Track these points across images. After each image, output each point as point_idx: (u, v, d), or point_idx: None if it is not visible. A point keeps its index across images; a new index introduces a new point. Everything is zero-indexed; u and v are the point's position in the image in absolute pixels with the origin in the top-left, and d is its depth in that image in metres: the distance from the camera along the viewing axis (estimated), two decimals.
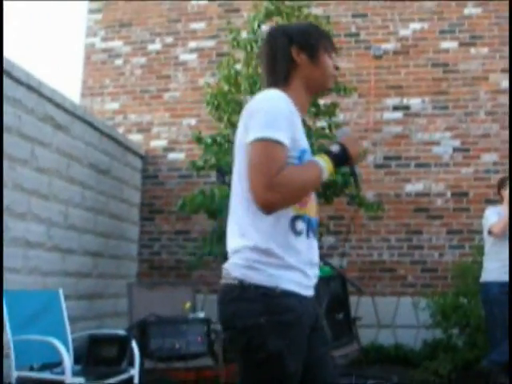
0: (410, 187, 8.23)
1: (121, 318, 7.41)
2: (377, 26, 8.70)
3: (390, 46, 8.62)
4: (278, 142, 2.13)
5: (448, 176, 8.17)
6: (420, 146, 8.30)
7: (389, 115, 8.44)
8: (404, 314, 7.92)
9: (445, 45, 8.53)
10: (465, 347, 6.85)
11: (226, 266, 2.26)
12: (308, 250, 2.26)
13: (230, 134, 7.04)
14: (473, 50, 8.46)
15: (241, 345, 2.19)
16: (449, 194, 8.15)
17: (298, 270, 2.20)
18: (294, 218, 2.21)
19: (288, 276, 2.18)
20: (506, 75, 8.22)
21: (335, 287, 6.40)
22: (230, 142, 7.14)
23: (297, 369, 2.18)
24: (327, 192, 6.90)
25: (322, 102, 7.19)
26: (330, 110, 7.22)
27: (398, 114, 8.42)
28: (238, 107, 6.94)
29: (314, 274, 2.28)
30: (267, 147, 2.12)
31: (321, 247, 7.91)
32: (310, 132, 6.90)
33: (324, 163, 2.22)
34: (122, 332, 5.64)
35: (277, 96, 2.24)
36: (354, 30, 8.71)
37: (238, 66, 7.05)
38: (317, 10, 8.13)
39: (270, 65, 2.40)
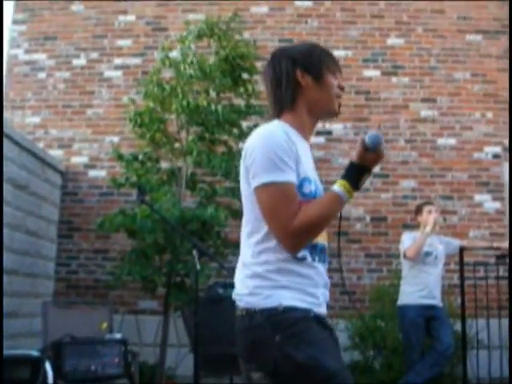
0: None
1: (35, 338, 7.20)
2: None
3: None
4: (284, 183, 2.16)
5: (367, 201, 8.33)
6: (341, 171, 8.28)
7: (312, 139, 8.51)
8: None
9: (368, 73, 8.75)
10: (381, 369, 6.97)
11: (234, 296, 2.30)
12: (315, 274, 2.29)
13: (152, 152, 7.00)
14: (394, 79, 8.71)
15: (270, 368, 2.18)
16: (368, 218, 8.31)
17: (296, 289, 2.21)
18: None
19: (287, 294, 2.19)
20: (426, 104, 8.49)
21: None
22: (152, 160, 7.10)
23: (337, 365, 2.18)
24: None
25: (245, 124, 7.23)
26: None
27: (321, 139, 8.55)
28: (163, 125, 6.92)
29: (322, 293, 2.31)
30: (275, 191, 2.16)
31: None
32: (232, 155, 6.95)
33: (340, 188, 2.23)
34: (35, 353, 5.47)
35: (272, 131, 2.23)
36: None
37: (166, 85, 7.03)
38: (245, 34, 8.21)
39: (274, 89, 2.37)
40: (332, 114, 2.45)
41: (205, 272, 6.11)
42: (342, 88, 2.41)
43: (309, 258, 2.26)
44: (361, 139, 2.26)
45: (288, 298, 2.18)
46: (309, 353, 2.13)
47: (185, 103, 6.56)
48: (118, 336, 6.35)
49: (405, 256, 6.25)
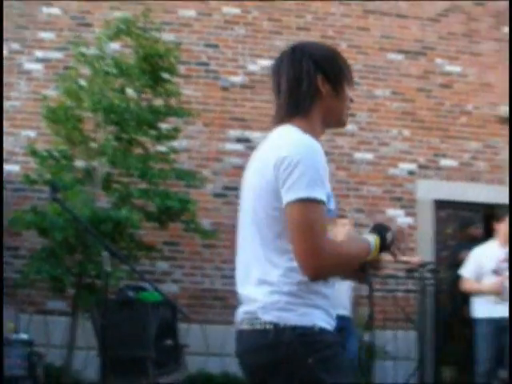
0: None
1: None
2: (227, 58, 8.86)
3: (238, 78, 8.80)
4: (320, 202, 2.03)
5: None
6: None
7: (231, 146, 8.58)
8: (233, 342, 7.98)
9: None
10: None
11: (251, 309, 2.13)
12: (332, 295, 2.19)
13: (66, 149, 6.86)
14: None
15: None
16: None
17: (324, 309, 2.13)
18: None
19: (319, 314, 2.10)
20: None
21: (164, 313, 6.36)
22: (66, 158, 6.95)
23: None
24: (162, 217, 6.88)
25: (163, 125, 7.18)
26: (172, 135, 7.22)
27: (240, 146, 8.58)
28: (79, 123, 6.80)
29: (335, 315, 2.20)
30: (317, 209, 2.03)
31: (153, 272, 7.87)
32: (149, 156, 6.89)
33: (373, 245, 2.18)
34: None
35: (315, 147, 2.10)
36: (204, 59, 8.81)
37: (82, 82, 6.90)
38: (169, 36, 8.17)
39: (291, 88, 2.21)
40: (342, 125, 2.37)
41: (116, 274, 6.01)
42: (351, 100, 2.34)
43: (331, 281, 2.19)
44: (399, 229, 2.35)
45: (321, 320, 2.09)
46: (338, 380, 2.07)
47: (98, 101, 6.46)
48: (23, 336, 6.19)
49: None
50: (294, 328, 2.05)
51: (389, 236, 2.26)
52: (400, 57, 9.23)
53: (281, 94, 2.25)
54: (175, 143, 7.49)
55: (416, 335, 7.86)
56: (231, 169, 8.49)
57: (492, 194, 9.01)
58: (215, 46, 8.86)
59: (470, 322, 7.17)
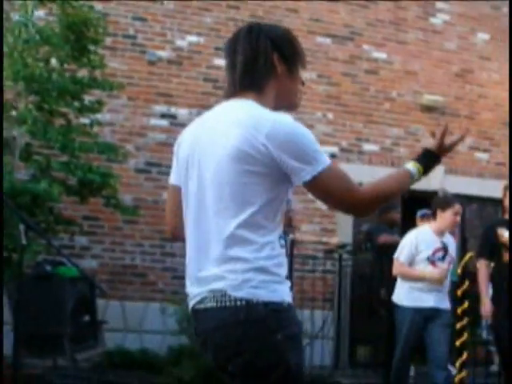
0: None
1: None
2: (155, 32, 8.73)
3: (165, 53, 8.70)
4: (332, 162, 2.14)
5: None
6: None
7: (155, 122, 8.49)
8: (152, 319, 7.97)
9: (218, 61, 8.77)
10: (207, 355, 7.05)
11: (218, 287, 2.09)
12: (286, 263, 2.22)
13: None
14: None
15: (260, 366, 2.07)
16: None
17: (287, 283, 2.15)
18: (280, 237, 2.17)
19: (286, 289, 2.12)
20: None
21: (82, 289, 6.28)
22: None
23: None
24: (83, 191, 6.75)
25: (87, 98, 7.03)
26: (95, 108, 7.08)
27: (165, 122, 8.50)
28: None
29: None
30: (333, 173, 2.13)
31: (73, 247, 7.73)
32: (70, 128, 6.74)
33: (414, 168, 2.30)
34: None
35: (295, 123, 2.16)
36: (131, 32, 8.66)
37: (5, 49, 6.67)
38: (97, 6, 7.98)
39: (245, 64, 2.21)
40: (293, 107, 2.37)
41: (33, 248, 5.88)
42: (303, 83, 2.38)
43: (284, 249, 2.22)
44: (444, 127, 2.37)
45: (287, 295, 2.12)
46: (299, 359, 2.12)
47: (17, 70, 6.25)
48: None
49: None
50: (267, 304, 2.06)
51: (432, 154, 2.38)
52: (328, 41, 9.31)
53: (236, 70, 2.24)
54: (98, 116, 7.34)
55: (333, 315, 8.02)
56: (155, 145, 8.41)
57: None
58: (143, 20, 8.72)
59: (385, 304, 7.37)
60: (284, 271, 2.17)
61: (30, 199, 6.14)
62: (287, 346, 2.08)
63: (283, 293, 2.11)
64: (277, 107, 2.26)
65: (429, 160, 2.37)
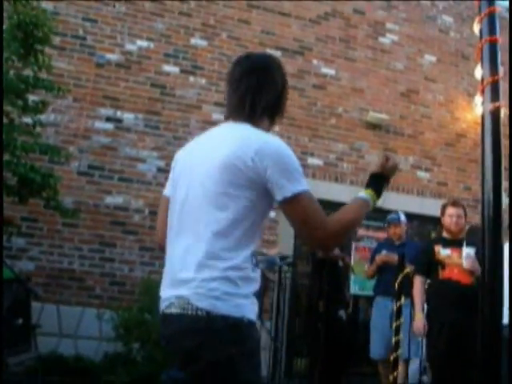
0: (109, 199, 8.23)
1: None
2: (105, 34, 8.65)
3: (114, 56, 8.62)
4: (310, 191, 2.28)
5: (149, 194, 8.32)
6: (126, 161, 8.36)
7: (100, 125, 8.39)
8: (88, 325, 7.85)
9: (167, 68, 8.77)
10: (143, 361, 6.98)
11: (184, 294, 2.16)
12: (259, 280, 2.27)
13: None
14: (192, 79, 8.80)
15: (212, 378, 2.10)
16: (147, 211, 8.30)
17: (252, 299, 2.21)
18: (253, 253, 2.23)
19: (249, 306, 2.18)
20: (218, 108, 8.66)
21: (17, 291, 6.14)
22: None
23: None
24: (23, 191, 6.61)
25: (31, 97, 6.91)
26: (39, 108, 6.97)
27: (110, 126, 8.41)
28: None
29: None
30: (312, 198, 2.27)
31: (10, 248, 7.56)
32: (13, 127, 6.61)
33: (367, 196, 2.46)
34: None
35: (286, 146, 2.33)
36: (81, 32, 8.56)
37: None
38: (47, 4, 7.88)
39: (271, 93, 2.46)
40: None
41: None
42: None
43: (257, 265, 2.29)
44: (384, 154, 2.56)
45: (250, 311, 2.18)
46: (251, 377, 2.15)
47: None
48: None
49: None
50: (226, 318, 2.13)
51: (381, 179, 2.56)
52: (278, 53, 9.37)
53: (260, 97, 2.45)
54: (42, 116, 7.23)
55: (270, 326, 8.02)
56: (99, 148, 8.31)
57: (354, 194, 9.33)
58: (94, 21, 8.63)
59: (324, 316, 7.42)
60: (252, 287, 2.24)
61: None
62: (241, 361, 2.13)
63: (245, 309, 2.19)
64: None
65: (378, 183, 2.52)
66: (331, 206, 9.03)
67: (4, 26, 6.57)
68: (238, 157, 2.23)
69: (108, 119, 8.42)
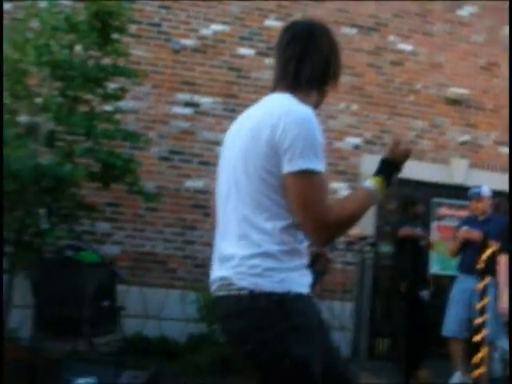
0: (190, 183, 8.35)
1: None
2: (180, 20, 8.73)
3: (189, 42, 8.70)
4: (322, 173, 2.08)
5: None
6: (204, 145, 8.44)
7: (178, 110, 8.50)
8: (172, 306, 8.01)
9: (242, 51, 8.78)
10: (225, 342, 7.07)
11: (226, 275, 2.15)
12: (307, 252, 2.23)
13: (10, 103, 6.68)
14: (267, 61, 8.79)
15: (263, 357, 2.08)
16: None
17: (300, 271, 2.15)
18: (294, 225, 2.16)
19: (296, 279, 2.11)
20: None
21: (103, 275, 6.32)
22: (10, 113, 6.78)
23: (320, 369, 2.11)
24: (105, 177, 6.78)
25: (110, 85, 7.06)
26: (118, 95, 7.11)
27: (188, 110, 8.51)
28: (23, 77, 6.62)
29: (309, 274, 2.22)
30: (316, 180, 2.07)
31: (94, 233, 7.78)
32: (94, 115, 6.76)
33: (374, 184, 2.23)
34: None
35: (311, 116, 2.14)
36: (157, 20, 8.67)
37: (30, 35, 6.71)
38: None
39: (313, 61, 2.32)
40: (316, 109, 2.43)
41: (55, 233, 5.92)
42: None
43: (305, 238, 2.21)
44: (395, 138, 2.37)
45: (297, 284, 2.10)
46: (306, 352, 2.08)
47: (42, 56, 6.29)
48: None
49: None
50: (270, 294, 2.06)
51: (392, 164, 2.34)
52: (353, 31, 9.25)
53: (304, 65, 2.32)
54: (122, 103, 7.37)
55: (352, 306, 8.01)
56: (177, 132, 8.43)
57: (435, 172, 9.17)
58: (168, 8, 8.72)
59: (405, 297, 7.34)
60: (298, 260, 2.16)
61: (54, 184, 6.18)
62: (291, 337, 2.06)
63: (291, 283, 2.10)
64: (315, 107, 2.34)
65: (388, 170, 2.32)
66: (412, 184, 8.97)
67: (81, 17, 6.72)
68: (261, 127, 2.17)
69: (186, 104, 8.52)
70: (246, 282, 2.09)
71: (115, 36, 6.94)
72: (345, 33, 9.18)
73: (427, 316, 7.11)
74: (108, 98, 7.00)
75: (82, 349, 5.92)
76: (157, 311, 8.02)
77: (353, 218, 2.15)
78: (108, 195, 7.68)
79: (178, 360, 6.88)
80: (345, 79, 9.04)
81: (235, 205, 2.21)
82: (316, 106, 2.38)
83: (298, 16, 9.02)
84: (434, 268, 8.73)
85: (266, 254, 2.10)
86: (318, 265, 2.50)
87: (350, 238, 7.95)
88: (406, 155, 2.35)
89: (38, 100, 6.72)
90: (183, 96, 8.53)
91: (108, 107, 7.14)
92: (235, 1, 8.91)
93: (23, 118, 6.97)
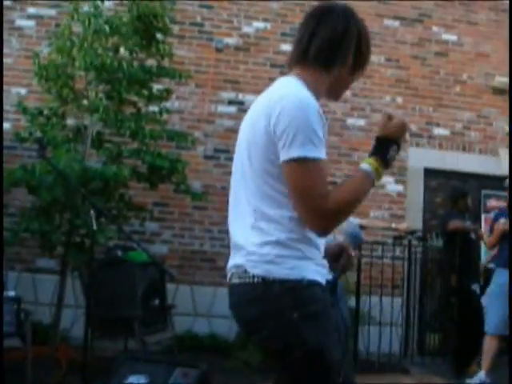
0: None
1: None
2: (222, 19, 8.77)
3: (232, 40, 8.73)
4: (320, 160, 2.02)
5: None
6: None
7: (223, 108, 8.54)
8: (221, 304, 8.04)
9: (285, 47, 8.76)
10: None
11: (240, 263, 2.14)
12: (322, 245, 2.20)
13: (57, 107, 6.80)
14: None
15: (278, 345, 2.08)
16: None
17: (313, 259, 2.12)
18: None
19: (310, 266, 2.09)
20: None
21: (152, 274, 6.39)
22: (57, 116, 6.90)
23: (339, 356, 2.10)
24: (153, 177, 6.85)
25: (155, 86, 7.13)
26: (163, 96, 7.18)
27: (232, 109, 8.54)
28: (70, 81, 6.73)
29: (326, 264, 2.21)
30: (314, 169, 2.02)
31: (143, 233, 7.88)
32: (140, 116, 6.84)
33: (369, 166, 2.13)
34: None
35: (309, 100, 2.07)
36: (198, 19, 8.72)
37: (75, 39, 6.81)
38: None
39: (329, 42, 2.20)
40: (336, 99, 2.42)
41: (105, 233, 6.01)
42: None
43: None
44: (384, 113, 2.26)
45: (310, 271, 2.08)
46: (321, 340, 2.05)
47: (88, 59, 6.38)
48: (11, 293, 6.19)
49: None
50: (283, 282, 2.04)
51: (388, 145, 2.20)
52: (396, 23, 9.16)
53: (314, 39, 2.23)
54: (167, 104, 7.44)
55: (402, 302, 7.93)
56: (223, 131, 8.47)
57: (483, 164, 9.03)
58: (210, 7, 8.77)
59: (456, 291, 7.25)
60: (310, 248, 2.12)
61: (102, 186, 6.27)
62: (305, 325, 2.04)
63: (303, 270, 2.07)
64: (326, 93, 2.29)
65: (382, 148, 2.18)
66: (461, 176, 8.85)
67: (124, 19, 6.79)
68: (259, 115, 2.13)
69: (230, 102, 8.55)
70: (258, 270, 2.07)
71: (158, 37, 7.01)
72: (388, 25, 9.10)
73: (479, 310, 6.99)
74: (153, 98, 7.08)
75: (134, 347, 6.00)
76: (206, 309, 8.07)
77: (351, 205, 2.09)
78: (156, 195, 7.76)
79: (228, 357, 6.91)
80: (389, 72, 8.98)
81: (245, 194, 2.19)
82: (332, 93, 2.32)
83: None
84: (484, 260, 8.59)
85: (277, 242, 2.07)
86: (340, 261, 2.43)
87: (398, 233, 7.87)
88: (400, 129, 2.23)
89: (85, 103, 6.83)
90: (227, 94, 8.56)
91: (154, 108, 7.21)
92: None
93: (70, 121, 7.09)
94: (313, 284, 2.08)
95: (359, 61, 2.28)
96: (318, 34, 2.22)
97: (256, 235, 2.11)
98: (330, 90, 2.30)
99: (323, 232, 2.10)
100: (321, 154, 2.04)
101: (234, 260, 2.20)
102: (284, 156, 2.04)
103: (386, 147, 2.18)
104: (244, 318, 2.17)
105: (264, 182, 2.12)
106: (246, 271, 2.11)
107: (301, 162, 2.01)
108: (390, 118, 2.24)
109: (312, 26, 2.25)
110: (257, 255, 2.09)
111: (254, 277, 2.08)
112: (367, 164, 2.14)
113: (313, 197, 2.02)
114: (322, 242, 2.20)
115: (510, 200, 6.47)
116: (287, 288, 2.04)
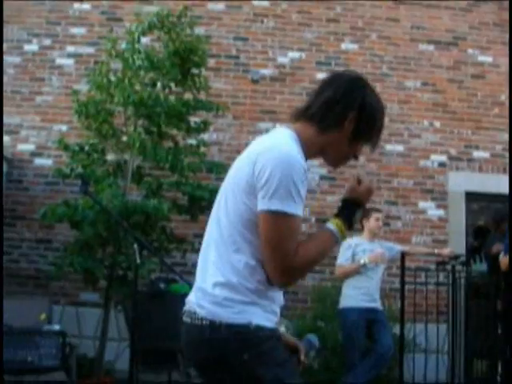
0: None
1: None
2: (256, 50, 8.86)
3: (267, 71, 8.80)
4: (295, 217, 2.05)
5: (313, 202, 8.38)
6: None
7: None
8: None
9: (320, 76, 8.78)
10: (320, 368, 7.03)
11: (193, 300, 2.16)
12: (278, 295, 2.22)
13: (97, 143, 6.91)
14: None
15: (236, 382, 2.10)
16: (313, 219, 8.36)
17: (262, 306, 2.13)
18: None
19: (259, 312, 2.10)
20: None
21: None
22: (97, 152, 7.02)
23: (301, 381, 2.16)
24: (193, 209, 6.90)
25: (193, 119, 7.21)
26: (201, 128, 7.26)
27: None
28: (110, 117, 6.85)
29: (278, 311, 2.22)
30: (290, 224, 2.05)
31: (185, 264, 7.90)
32: (179, 149, 6.92)
33: (335, 227, 2.18)
34: None
35: (294, 155, 2.09)
36: (234, 52, 8.83)
37: (113, 77, 6.95)
38: (199, 29, 8.19)
39: (327, 102, 2.22)
40: (332, 165, 2.39)
41: (146, 266, 6.07)
42: (356, 157, 2.35)
43: None
44: (353, 176, 2.29)
45: (258, 316, 2.09)
46: (277, 373, 2.08)
47: (126, 95, 6.50)
48: (56, 327, 6.27)
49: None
50: (230, 326, 2.06)
51: (354, 207, 2.26)
52: (431, 47, 9.14)
53: (317, 98, 2.26)
54: (205, 136, 7.51)
55: (447, 328, 7.81)
56: None
57: None
58: (245, 39, 8.87)
59: (502, 316, 7.11)
60: (258, 297, 2.12)
61: (143, 219, 6.34)
62: (258, 362, 2.06)
63: (250, 314, 2.08)
64: (318, 154, 2.29)
65: (349, 211, 2.25)
66: (503, 198, 8.72)
67: (160, 55, 6.92)
68: (245, 162, 2.14)
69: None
70: (205, 312, 2.09)
71: (195, 71, 7.11)
72: (422, 50, 9.09)
73: None
74: (191, 131, 7.16)
75: (178, 380, 5.99)
76: None
77: (315, 263, 2.16)
78: (196, 226, 7.79)
79: None
80: (426, 96, 8.95)
81: (216, 230, 2.20)
82: (326, 157, 2.32)
83: (373, 37, 9.01)
84: None
85: (228, 285, 2.09)
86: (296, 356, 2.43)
87: (441, 258, 7.78)
88: (367, 194, 2.28)
89: (124, 138, 6.95)
90: (264, 125, 8.61)
91: (192, 141, 7.29)
92: (310, 27, 8.98)
93: (111, 157, 7.21)
94: (260, 328, 2.09)
95: (361, 131, 2.26)
96: (322, 94, 2.26)
97: (212, 274, 2.14)
98: (323, 152, 2.30)
99: (284, 286, 2.16)
100: (299, 211, 2.06)
101: (190, 296, 2.21)
102: (263, 206, 2.05)
103: (353, 210, 2.26)
104: (195, 359, 2.17)
105: (232, 225, 2.14)
106: (195, 312, 2.12)
107: (279, 215, 2.03)
108: (358, 181, 2.28)
109: (321, 86, 2.31)
110: (208, 295, 2.11)
111: (202, 319, 2.09)
112: (333, 225, 2.19)
113: (283, 251, 2.05)
114: (277, 294, 2.21)
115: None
116: (234, 332, 2.05)
